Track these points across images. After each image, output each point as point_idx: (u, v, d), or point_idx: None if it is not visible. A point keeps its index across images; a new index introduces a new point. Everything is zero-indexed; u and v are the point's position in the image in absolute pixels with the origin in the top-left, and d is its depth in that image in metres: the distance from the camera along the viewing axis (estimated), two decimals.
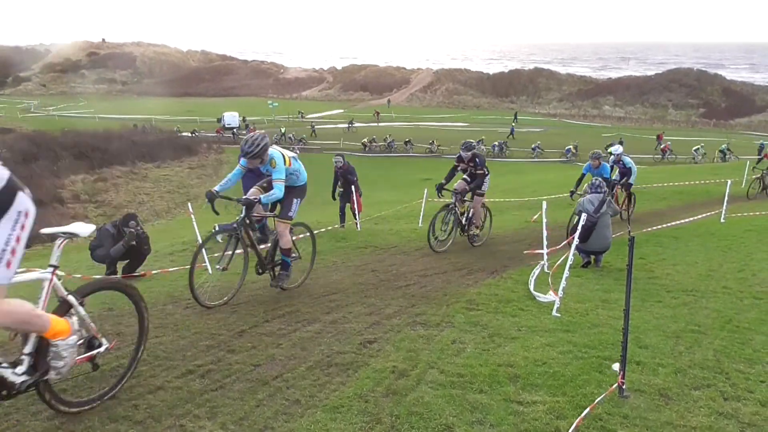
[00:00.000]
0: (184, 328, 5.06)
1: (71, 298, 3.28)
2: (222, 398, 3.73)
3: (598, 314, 5.74)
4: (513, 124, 57.70)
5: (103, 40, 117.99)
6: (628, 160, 12.81)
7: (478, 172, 9.67)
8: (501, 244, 10.25)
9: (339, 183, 12.98)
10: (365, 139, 48.66)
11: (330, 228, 11.56)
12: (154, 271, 8.06)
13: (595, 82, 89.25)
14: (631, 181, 12.74)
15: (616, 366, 4.11)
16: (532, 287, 6.68)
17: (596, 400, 3.64)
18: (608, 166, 12.13)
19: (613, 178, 12.53)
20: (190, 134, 52.22)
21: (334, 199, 13.14)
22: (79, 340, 3.29)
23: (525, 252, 9.20)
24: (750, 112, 71.25)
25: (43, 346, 3.04)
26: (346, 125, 58.21)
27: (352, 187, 12.67)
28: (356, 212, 12.59)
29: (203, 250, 5.88)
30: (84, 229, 3.34)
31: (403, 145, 47.78)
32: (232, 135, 52.12)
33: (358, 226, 12.47)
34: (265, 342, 4.74)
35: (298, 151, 8.15)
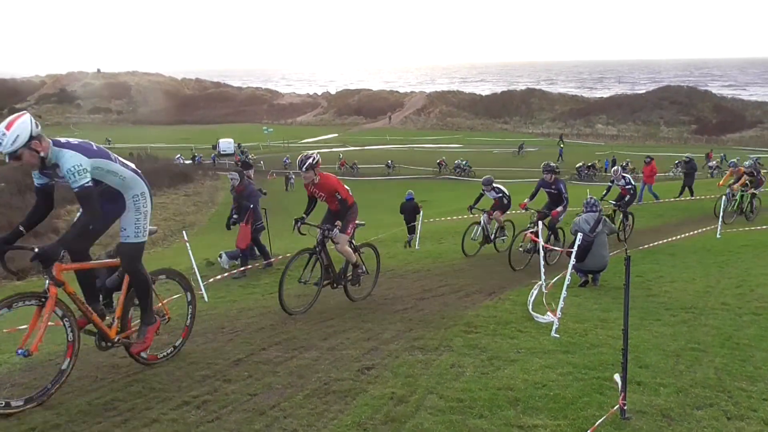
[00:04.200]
0: (179, 358, 5.01)
1: None
2: (218, 430, 3.67)
3: (597, 334, 5.69)
4: (561, 146, 54.90)
5: (98, 70, 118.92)
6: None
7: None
8: (499, 265, 10.21)
9: (234, 208, 10.19)
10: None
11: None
12: None
13: (587, 101, 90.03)
14: None
15: (617, 377, 4.02)
16: (530, 308, 6.63)
17: (597, 423, 3.59)
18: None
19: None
20: (191, 160, 52.75)
21: (228, 228, 10.38)
22: None
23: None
24: (741, 127, 71.90)
25: None
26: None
27: (246, 214, 9.71)
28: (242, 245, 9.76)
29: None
30: None
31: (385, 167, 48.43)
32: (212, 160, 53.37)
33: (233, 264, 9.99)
34: (261, 370, 4.68)
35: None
